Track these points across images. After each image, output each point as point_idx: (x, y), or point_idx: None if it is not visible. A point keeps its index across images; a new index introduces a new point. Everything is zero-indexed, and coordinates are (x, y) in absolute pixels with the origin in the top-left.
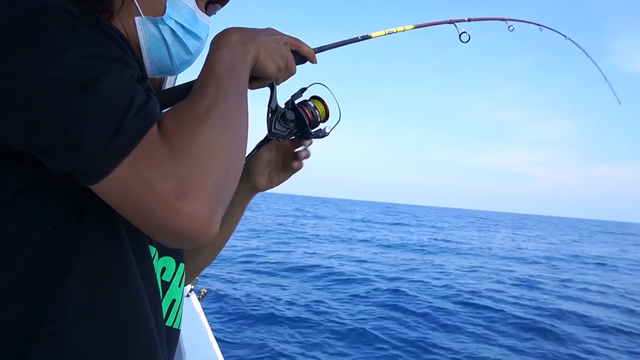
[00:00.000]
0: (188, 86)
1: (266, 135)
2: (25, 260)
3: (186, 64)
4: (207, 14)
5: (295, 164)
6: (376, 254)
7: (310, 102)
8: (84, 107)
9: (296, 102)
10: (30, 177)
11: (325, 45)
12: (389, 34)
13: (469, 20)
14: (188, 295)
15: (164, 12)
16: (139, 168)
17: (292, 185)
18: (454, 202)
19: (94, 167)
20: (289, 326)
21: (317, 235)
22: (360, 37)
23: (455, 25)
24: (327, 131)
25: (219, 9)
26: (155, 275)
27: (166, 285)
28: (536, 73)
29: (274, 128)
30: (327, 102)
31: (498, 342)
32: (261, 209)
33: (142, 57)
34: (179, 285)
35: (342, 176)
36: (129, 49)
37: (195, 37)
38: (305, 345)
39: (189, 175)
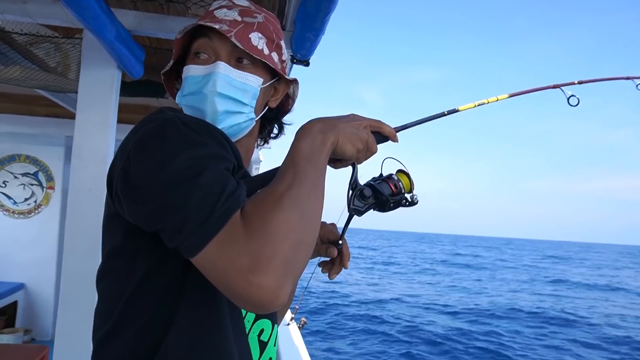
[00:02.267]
0: (274, 172)
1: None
2: (142, 312)
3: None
4: (199, 58)
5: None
6: None
7: (394, 176)
8: (187, 198)
9: (381, 176)
10: (160, 251)
11: (408, 124)
12: (479, 105)
13: (580, 82)
14: (288, 324)
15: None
16: (223, 246)
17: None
18: (569, 235)
19: (191, 245)
20: None
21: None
22: (447, 111)
23: (562, 89)
24: (415, 200)
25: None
26: (245, 334)
27: (264, 344)
28: None
29: (353, 204)
30: (412, 176)
31: None
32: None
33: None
34: (274, 345)
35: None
36: (228, 144)
37: (195, 94)
38: None
39: (261, 253)
